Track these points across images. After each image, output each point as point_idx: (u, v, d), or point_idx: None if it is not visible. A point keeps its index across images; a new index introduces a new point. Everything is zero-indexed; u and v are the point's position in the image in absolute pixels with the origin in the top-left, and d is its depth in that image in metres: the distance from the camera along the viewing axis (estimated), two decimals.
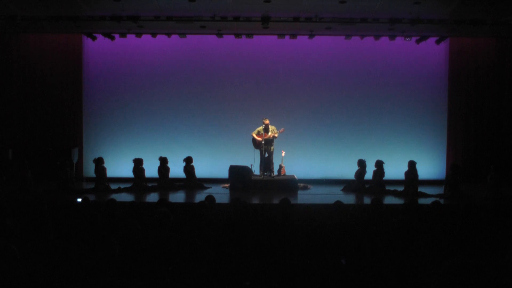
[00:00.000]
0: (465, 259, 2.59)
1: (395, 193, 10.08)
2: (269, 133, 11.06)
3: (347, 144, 12.27)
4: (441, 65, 12.34)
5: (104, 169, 10.53)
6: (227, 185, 10.95)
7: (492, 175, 9.65)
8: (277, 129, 11.11)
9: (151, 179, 10.86)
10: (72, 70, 12.25)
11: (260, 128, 11.16)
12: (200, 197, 9.03)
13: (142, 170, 10.68)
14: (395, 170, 10.88)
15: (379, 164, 10.44)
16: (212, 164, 12.07)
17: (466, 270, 2.53)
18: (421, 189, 10.07)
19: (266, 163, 11.16)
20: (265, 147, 11.07)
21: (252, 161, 11.12)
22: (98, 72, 12.36)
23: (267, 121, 11.07)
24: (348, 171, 11.22)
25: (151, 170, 10.89)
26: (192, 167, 11.12)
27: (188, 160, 11.11)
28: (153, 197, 9.64)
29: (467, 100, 12.25)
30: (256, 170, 11.20)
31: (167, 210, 4.91)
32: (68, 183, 10.15)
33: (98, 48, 12.24)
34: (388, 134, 12.29)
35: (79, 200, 8.18)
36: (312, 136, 12.28)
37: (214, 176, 11.78)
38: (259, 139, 11.13)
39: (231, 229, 4.83)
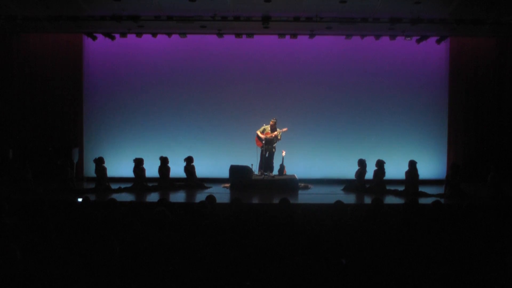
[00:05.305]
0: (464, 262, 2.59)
1: (395, 193, 10.08)
2: (274, 133, 11.08)
3: (347, 144, 12.26)
4: (441, 65, 12.34)
5: (104, 169, 10.54)
6: (227, 185, 10.95)
7: (493, 174, 9.65)
8: (280, 129, 11.13)
9: (152, 179, 10.86)
10: (73, 69, 12.24)
11: (267, 126, 11.16)
12: (200, 197, 9.03)
13: (143, 170, 10.69)
14: (395, 169, 10.89)
15: (380, 164, 10.44)
16: (212, 163, 12.07)
17: (466, 270, 2.53)
18: (421, 188, 10.07)
19: (267, 163, 11.18)
20: (266, 147, 11.08)
21: (252, 160, 11.11)
22: (99, 72, 12.36)
23: (272, 121, 11.09)
24: (349, 170, 11.21)
25: (151, 170, 10.90)
26: (193, 167, 11.12)
27: (189, 160, 11.11)
28: (153, 197, 9.64)
29: (467, 100, 12.25)
30: (256, 170, 11.21)
31: (165, 210, 4.91)
32: (69, 183, 10.16)
33: (98, 48, 12.24)
34: (388, 133, 12.29)
35: (80, 200, 8.19)
36: (312, 136, 12.27)
37: (215, 176, 11.77)
38: (263, 136, 11.14)
39: (231, 229, 4.83)
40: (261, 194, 10.09)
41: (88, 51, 12.34)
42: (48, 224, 4.59)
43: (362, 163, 10.67)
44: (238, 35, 11.61)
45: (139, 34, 11.72)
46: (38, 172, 10.59)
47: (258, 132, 11.25)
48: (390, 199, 9.56)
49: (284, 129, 11.17)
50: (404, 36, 11.66)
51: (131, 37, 11.82)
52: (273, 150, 11.23)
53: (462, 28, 10.79)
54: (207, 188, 10.82)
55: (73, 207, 6.52)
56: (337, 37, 12.00)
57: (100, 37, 11.85)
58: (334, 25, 10.89)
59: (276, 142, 11.22)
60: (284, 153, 11.39)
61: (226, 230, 4.72)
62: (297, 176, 11.04)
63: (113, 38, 11.78)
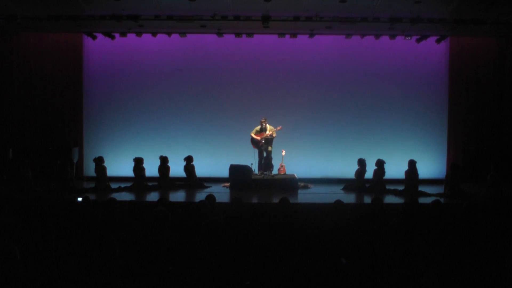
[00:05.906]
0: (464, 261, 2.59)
1: (395, 192, 10.08)
2: (267, 132, 11.10)
3: (347, 143, 12.27)
4: (441, 65, 12.34)
5: (104, 168, 10.53)
6: (227, 184, 10.95)
7: (492, 174, 9.65)
8: (274, 127, 11.14)
9: (152, 178, 10.85)
10: (73, 69, 12.24)
11: (258, 127, 11.19)
12: (200, 196, 9.03)
13: (143, 169, 10.69)
14: (395, 169, 10.87)
15: (380, 163, 10.43)
16: (212, 163, 12.06)
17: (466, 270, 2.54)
18: (421, 188, 10.07)
19: (266, 162, 11.18)
20: (265, 146, 11.10)
21: (252, 160, 11.12)
22: (99, 72, 12.36)
23: (262, 121, 11.12)
24: (349, 170, 11.22)
25: (151, 169, 10.89)
26: (193, 166, 11.12)
27: (189, 159, 11.11)
28: (153, 197, 9.63)
29: (467, 100, 12.25)
30: (256, 169, 11.21)
31: (165, 209, 4.91)
32: (69, 182, 10.16)
33: (98, 48, 12.24)
34: (388, 133, 12.29)
35: (80, 199, 8.19)
36: (312, 135, 12.27)
37: (215, 175, 11.77)
38: (258, 138, 11.15)
39: (231, 229, 4.83)
40: (261, 193, 10.09)
41: (88, 50, 12.34)
42: (48, 224, 4.59)
43: (362, 163, 10.67)
44: (238, 34, 11.61)
45: (139, 34, 11.72)
46: (38, 172, 10.58)
47: (252, 134, 11.26)
48: (389, 199, 9.56)
49: (278, 128, 11.18)
50: (404, 36, 11.66)
51: (131, 36, 11.81)
52: (270, 148, 11.23)
53: (462, 28, 10.79)
54: (207, 187, 10.82)
55: (73, 206, 6.52)
56: (337, 37, 12.00)
57: (100, 36, 11.84)
58: (334, 25, 10.89)
59: (272, 140, 11.23)
60: (284, 153, 11.40)
61: (226, 230, 4.72)
62: (296, 176, 11.04)
63: (113, 37, 11.78)
